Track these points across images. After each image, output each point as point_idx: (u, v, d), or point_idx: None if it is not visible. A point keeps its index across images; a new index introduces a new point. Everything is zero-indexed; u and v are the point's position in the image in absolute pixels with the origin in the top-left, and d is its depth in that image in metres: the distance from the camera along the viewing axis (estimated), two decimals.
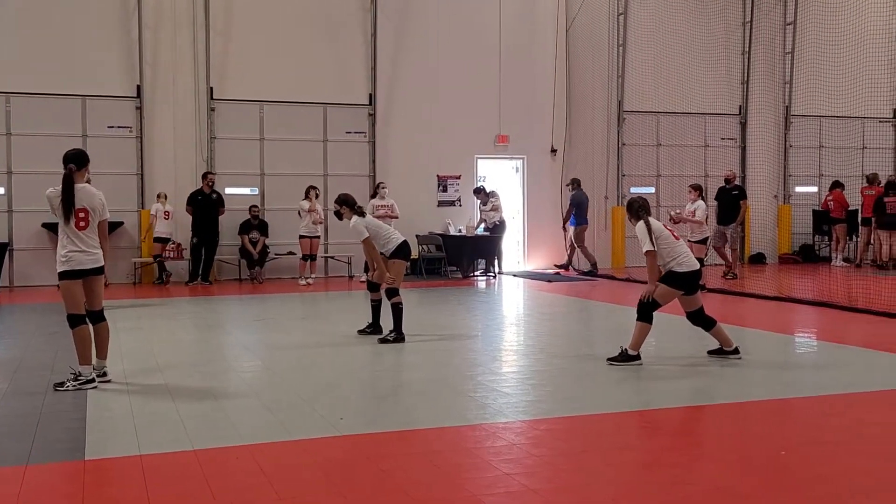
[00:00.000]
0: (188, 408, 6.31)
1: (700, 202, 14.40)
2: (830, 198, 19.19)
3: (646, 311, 7.78)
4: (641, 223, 7.86)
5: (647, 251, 7.78)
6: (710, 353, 8.09)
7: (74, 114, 16.25)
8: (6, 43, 15.71)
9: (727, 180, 16.71)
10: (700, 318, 7.97)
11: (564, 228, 18.64)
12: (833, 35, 19.25)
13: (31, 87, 15.92)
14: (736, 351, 7.99)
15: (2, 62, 15.70)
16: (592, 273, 17.60)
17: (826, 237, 20.52)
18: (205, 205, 16.06)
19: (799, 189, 21.32)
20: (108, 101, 16.43)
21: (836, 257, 19.14)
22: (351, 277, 17.25)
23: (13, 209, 15.91)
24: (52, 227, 15.15)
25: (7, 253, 15.53)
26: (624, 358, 7.75)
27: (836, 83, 19.36)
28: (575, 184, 18.26)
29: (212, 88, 16.97)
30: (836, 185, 19.25)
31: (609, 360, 7.83)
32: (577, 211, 18.01)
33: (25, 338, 9.95)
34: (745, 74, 20.73)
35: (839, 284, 14.85)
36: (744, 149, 20.91)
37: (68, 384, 6.78)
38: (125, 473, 4.76)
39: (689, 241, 13.88)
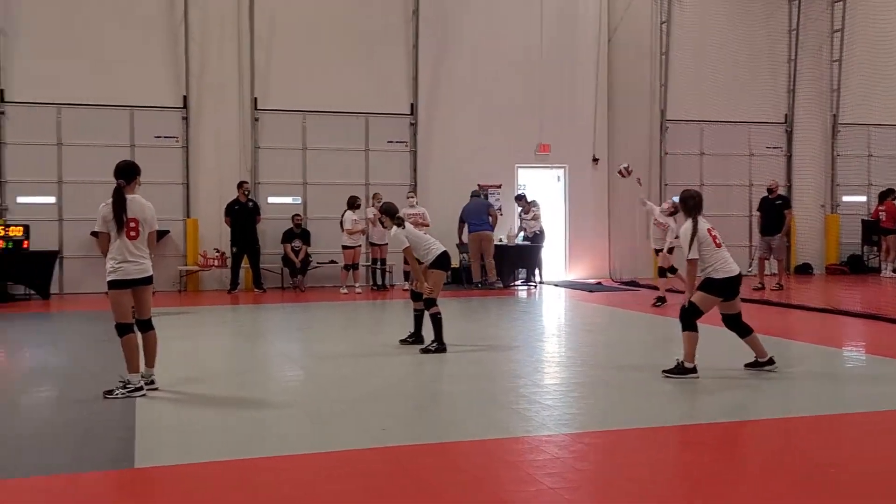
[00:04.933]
0: (233, 417, 6.39)
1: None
2: (882, 208, 18.83)
3: (688, 320, 7.70)
4: (689, 224, 7.76)
5: (688, 259, 7.71)
6: (747, 365, 7.97)
7: (123, 124, 16.56)
8: (57, 56, 16.06)
9: (769, 190, 16.48)
10: (736, 324, 7.86)
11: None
12: (883, 42, 18.92)
13: (81, 98, 16.26)
14: (771, 361, 7.87)
15: (53, 74, 16.05)
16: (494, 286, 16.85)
17: (875, 248, 20.14)
18: (242, 214, 16.27)
19: (847, 199, 20.95)
20: (155, 111, 16.73)
21: (886, 268, 18.77)
22: (391, 286, 17.31)
23: (63, 218, 16.25)
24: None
25: (57, 261, 15.84)
26: (680, 371, 7.66)
27: (886, 91, 19.00)
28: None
29: (256, 99, 17.19)
30: (888, 194, 18.89)
31: (664, 372, 7.73)
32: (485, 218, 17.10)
33: (75, 345, 10.15)
34: (791, 82, 20.45)
35: (889, 296, 14.56)
36: (790, 158, 20.61)
37: (117, 392, 6.90)
38: (174, 482, 4.83)
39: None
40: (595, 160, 19.29)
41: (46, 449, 5.48)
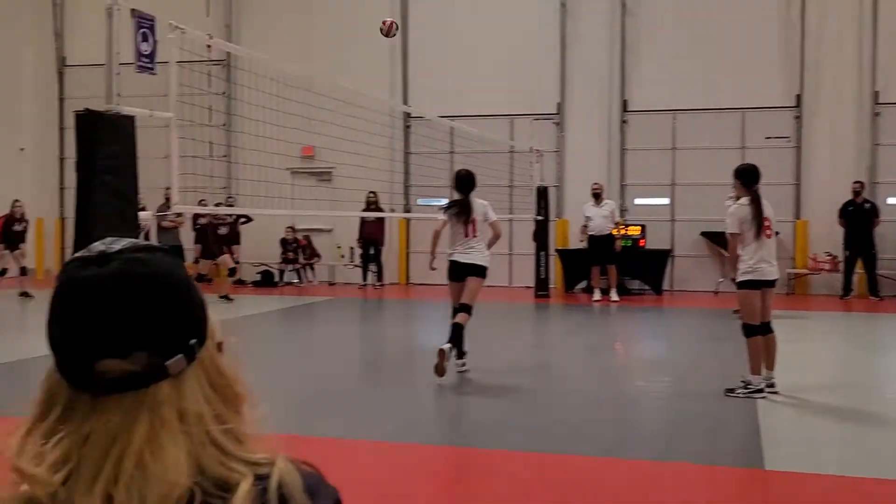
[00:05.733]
0: (855, 431, 6.04)
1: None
2: None
3: None
4: None
5: None
6: None
7: (734, 126, 16.79)
8: (673, 63, 16.94)
9: None
10: None
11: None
12: None
13: (694, 103, 16.90)
14: None
15: (669, 82, 16.98)
16: None
17: None
18: (857, 215, 15.24)
19: None
20: (766, 112, 16.62)
21: None
22: None
23: (675, 218, 17.12)
24: (710, 237, 15.93)
25: (669, 259, 16.76)
26: None
27: None
28: None
29: (877, 92, 15.98)
30: None
31: None
32: None
33: (690, 341, 10.61)
34: None
35: None
36: None
37: (738, 391, 7.02)
38: (807, 490, 4.74)
39: None
40: None
41: (679, 438, 5.82)
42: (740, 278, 7.04)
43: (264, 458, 1.07)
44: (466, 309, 7.73)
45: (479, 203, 8.09)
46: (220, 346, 1.11)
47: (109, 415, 1.00)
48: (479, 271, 7.90)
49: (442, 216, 8.16)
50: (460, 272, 7.90)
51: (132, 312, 1.01)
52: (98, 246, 1.06)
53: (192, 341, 1.06)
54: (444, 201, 8.96)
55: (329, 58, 17.45)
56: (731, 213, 7.13)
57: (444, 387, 7.38)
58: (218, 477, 1.02)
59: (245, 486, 1.02)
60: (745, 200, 7.05)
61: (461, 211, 7.96)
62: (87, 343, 1.00)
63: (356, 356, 9.99)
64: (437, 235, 8.21)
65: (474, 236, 7.95)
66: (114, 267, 1.03)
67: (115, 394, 1.01)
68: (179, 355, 1.04)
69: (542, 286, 15.67)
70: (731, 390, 7.08)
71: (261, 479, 1.03)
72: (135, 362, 1.01)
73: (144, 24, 5.35)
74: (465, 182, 8.11)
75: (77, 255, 1.06)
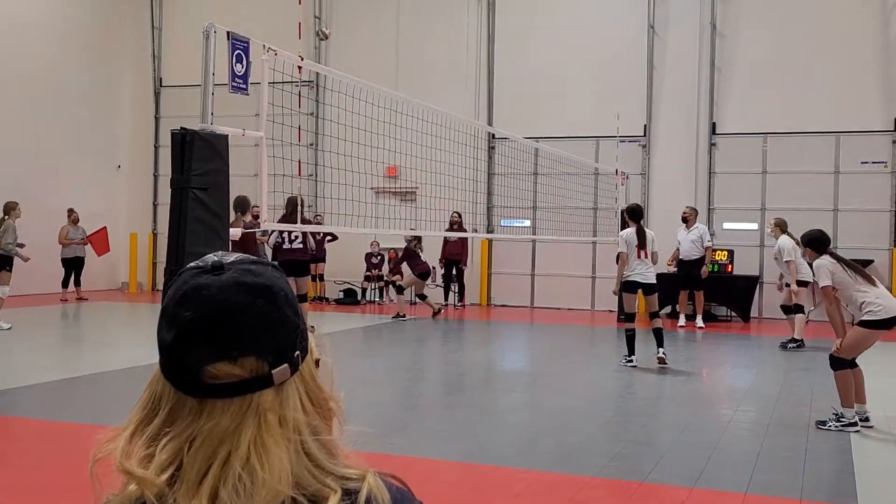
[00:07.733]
0: None
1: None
2: None
3: None
4: None
5: None
6: None
7: (827, 151, 16.28)
8: (765, 86, 16.56)
9: None
10: None
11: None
12: None
13: (786, 126, 16.47)
14: None
15: (759, 104, 16.60)
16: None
17: None
18: None
19: None
20: (861, 136, 16.08)
21: None
22: None
23: (764, 244, 16.60)
24: None
25: (758, 286, 16.30)
26: None
27: None
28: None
29: None
30: None
31: None
32: None
33: (780, 371, 10.26)
34: None
35: None
36: None
37: (830, 424, 6.76)
38: None
39: None
40: None
41: (767, 470, 5.63)
42: (865, 318, 6.71)
43: (354, 472, 1.08)
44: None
45: (650, 232, 10.15)
46: (317, 363, 1.13)
47: (217, 418, 1.03)
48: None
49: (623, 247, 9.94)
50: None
51: (245, 319, 1.04)
52: (212, 257, 1.10)
53: (296, 353, 1.08)
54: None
55: (415, 80, 17.64)
56: (821, 268, 6.90)
57: (520, 410, 7.30)
58: (308, 488, 1.03)
59: (333, 501, 1.02)
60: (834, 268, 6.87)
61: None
62: (199, 346, 1.03)
63: (433, 377, 9.99)
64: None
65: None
66: (228, 276, 1.07)
67: (222, 398, 1.03)
68: (285, 365, 1.06)
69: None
70: (823, 423, 6.83)
71: (349, 494, 1.04)
72: (244, 368, 1.04)
73: (239, 46, 5.50)
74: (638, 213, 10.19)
75: (192, 264, 1.10)
